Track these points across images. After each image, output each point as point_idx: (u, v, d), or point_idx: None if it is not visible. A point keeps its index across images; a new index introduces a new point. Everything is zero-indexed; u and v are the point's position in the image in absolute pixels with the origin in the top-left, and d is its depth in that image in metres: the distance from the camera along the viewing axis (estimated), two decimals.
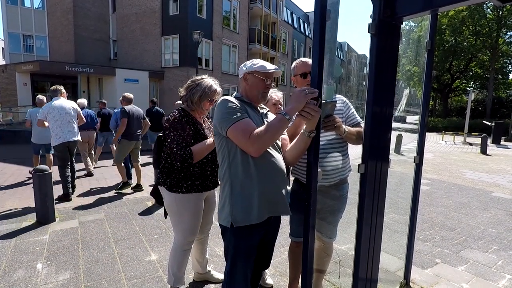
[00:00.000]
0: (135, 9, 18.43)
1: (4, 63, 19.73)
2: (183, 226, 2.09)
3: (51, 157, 5.62)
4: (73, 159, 4.94)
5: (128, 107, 5.04)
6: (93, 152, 6.87)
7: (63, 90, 4.77)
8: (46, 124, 4.53)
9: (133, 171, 5.54)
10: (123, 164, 5.23)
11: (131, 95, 5.28)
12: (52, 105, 4.53)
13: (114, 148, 6.68)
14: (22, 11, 19.76)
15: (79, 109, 4.89)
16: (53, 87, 4.72)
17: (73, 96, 16.07)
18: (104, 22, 20.30)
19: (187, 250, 2.18)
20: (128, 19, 18.81)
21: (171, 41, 17.63)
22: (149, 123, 5.49)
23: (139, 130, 5.20)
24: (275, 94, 2.29)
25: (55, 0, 19.29)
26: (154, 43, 18.00)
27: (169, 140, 1.96)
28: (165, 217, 2.25)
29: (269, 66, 1.60)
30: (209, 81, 2.08)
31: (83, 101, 6.36)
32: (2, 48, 23.37)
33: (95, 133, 6.83)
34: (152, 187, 2.29)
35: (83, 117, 5.01)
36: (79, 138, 4.80)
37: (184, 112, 2.04)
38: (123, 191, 5.24)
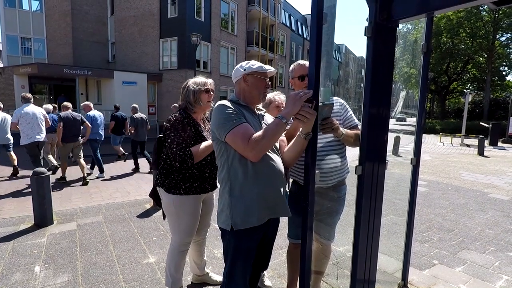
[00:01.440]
0: (133, 12, 18.45)
1: (2, 65, 19.67)
2: (181, 227, 2.10)
3: (13, 155, 6.39)
4: (42, 158, 5.66)
5: (64, 113, 5.83)
6: (55, 150, 7.18)
7: (32, 99, 5.61)
8: (18, 126, 5.27)
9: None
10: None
11: (68, 103, 6.18)
12: (25, 111, 5.30)
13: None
14: (20, 14, 19.75)
15: (46, 114, 5.71)
16: (26, 95, 5.52)
17: (71, 99, 16.07)
18: (102, 24, 20.31)
19: (184, 252, 2.18)
20: (127, 21, 18.82)
21: (169, 44, 17.65)
22: (90, 125, 6.18)
23: (77, 133, 5.96)
24: (278, 96, 2.28)
25: (53, 3, 19.29)
26: (153, 45, 18.01)
27: (169, 140, 1.97)
28: (164, 219, 2.26)
29: (265, 66, 1.63)
30: (193, 78, 2.13)
31: (49, 106, 6.92)
32: (0, 51, 23.36)
33: None
34: (150, 189, 2.29)
35: (49, 121, 5.83)
36: (45, 138, 5.59)
37: (185, 114, 2.05)
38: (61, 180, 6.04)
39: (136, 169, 7.35)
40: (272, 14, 24.03)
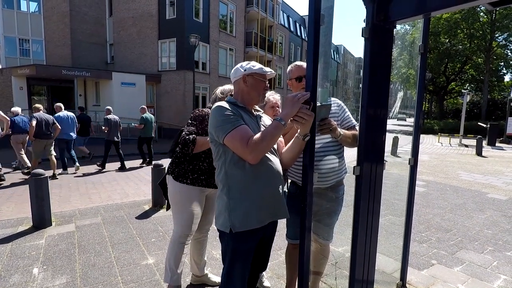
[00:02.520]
0: (132, 13, 18.43)
1: (0, 67, 19.63)
2: (183, 217, 2.18)
3: None
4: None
5: (37, 114, 6.28)
6: (29, 148, 7.24)
7: None
8: None
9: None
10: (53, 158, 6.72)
11: (39, 105, 6.63)
12: None
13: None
14: (18, 15, 19.69)
15: (7, 117, 6.11)
16: None
17: (69, 100, 16.04)
18: (100, 25, 20.27)
19: (183, 244, 2.23)
20: (125, 22, 18.79)
21: (168, 45, 17.62)
22: (59, 127, 6.61)
23: (49, 132, 6.41)
24: (273, 96, 2.29)
25: (51, 4, 19.25)
26: (151, 46, 17.98)
27: (185, 126, 2.12)
28: (167, 210, 2.36)
29: (266, 68, 1.63)
30: (222, 86, 2.31)
31: (17, 108, 7.16)
32: None
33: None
34: (149, 190, 2.31)
35: (8, 122, 6.25)
36: None
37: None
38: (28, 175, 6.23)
39: (102, 166, 7.74)
40: (271, 15, 24.06)
